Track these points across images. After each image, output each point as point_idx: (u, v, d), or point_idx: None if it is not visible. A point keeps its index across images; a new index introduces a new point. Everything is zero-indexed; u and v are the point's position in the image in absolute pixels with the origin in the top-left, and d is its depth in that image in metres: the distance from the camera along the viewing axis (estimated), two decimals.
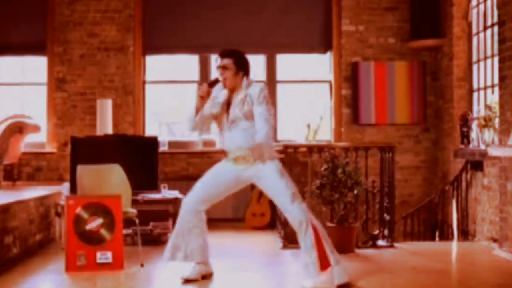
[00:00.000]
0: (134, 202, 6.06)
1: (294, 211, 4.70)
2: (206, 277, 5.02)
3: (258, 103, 4.72)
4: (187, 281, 4.89)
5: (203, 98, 4.80)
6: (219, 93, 4.89)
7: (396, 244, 6.51)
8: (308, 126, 8.23)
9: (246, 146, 4.72)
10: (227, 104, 4.86)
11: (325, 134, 8.66)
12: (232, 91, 4.84)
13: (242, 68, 4.82)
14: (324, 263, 4.65)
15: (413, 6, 8.35)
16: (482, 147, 6.79)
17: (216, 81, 4.86)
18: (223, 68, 4.80)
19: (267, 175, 4.75)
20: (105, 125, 7.97)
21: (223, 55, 4.83)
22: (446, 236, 7.76)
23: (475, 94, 7.72)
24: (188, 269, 4.95)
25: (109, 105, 8.11)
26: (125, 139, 7.26)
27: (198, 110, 4.82)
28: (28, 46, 8.65)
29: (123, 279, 5.16)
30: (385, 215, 6.52)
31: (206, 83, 4.89)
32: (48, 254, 6.14)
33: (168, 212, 6.80)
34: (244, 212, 8.09)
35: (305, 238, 4.67)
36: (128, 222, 5.83)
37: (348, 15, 8.57)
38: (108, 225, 5.39)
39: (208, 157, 8.39)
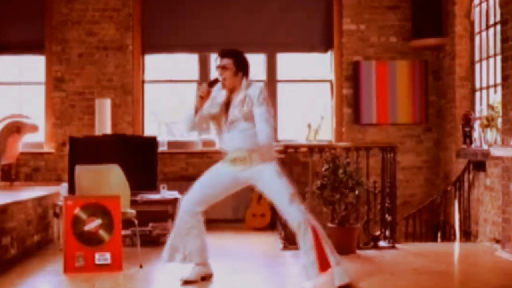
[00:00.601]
0: (133, 203, 6.02)
1: (293, 213, 4.67)
2: (206, 278, 4.98)
3: (258, 104, 4.68)
4: (186, 282, 4.86)
5: (202, 98, 4.76)
6: (218, 93, 4.85)
7: (397, 245, 6.47)
8: (309, 126, 8.21)
9: (245, 147, 4.70)
10: (226, 104, 4.81)
11: (326, 134, 8.62)
12: (231, 91, 4.80)
13: (242, 68, 4.78)
14: (323, 264, 4.62)
15: (414, 4, 8.31)
16: (485, 147, 6.75)
17: (216, 81, 4.82)
18: (222, 68, 4.76)
19: (265, 177, 4.73)
20: (104, 125, 7.92)
21: (222, 55, 4.79)
22: (448, 237, 7.73)
23: (477, 94, 7.68)
24: (187, 270, 4.92)
25: (107, 104, 8.07)
26: (124, 139, 7.22)
27: (197, 110, 4.77)
28: (26, 45, 8.61)
29: (122, 281, 5.13)
30: (386, 215, 6.48)
31: (206, 82, 4.85)
32: (46, 255, 6.10)
33: (167, 213, 6.76)
34: (244, 212, 8.04)
35: (304, 239, 4.64)
36: (127, 222, 5.81)
37: (349, 14, 8.53)
38: (106, 226, 5.35)
39: (208, 157, 8.34)
